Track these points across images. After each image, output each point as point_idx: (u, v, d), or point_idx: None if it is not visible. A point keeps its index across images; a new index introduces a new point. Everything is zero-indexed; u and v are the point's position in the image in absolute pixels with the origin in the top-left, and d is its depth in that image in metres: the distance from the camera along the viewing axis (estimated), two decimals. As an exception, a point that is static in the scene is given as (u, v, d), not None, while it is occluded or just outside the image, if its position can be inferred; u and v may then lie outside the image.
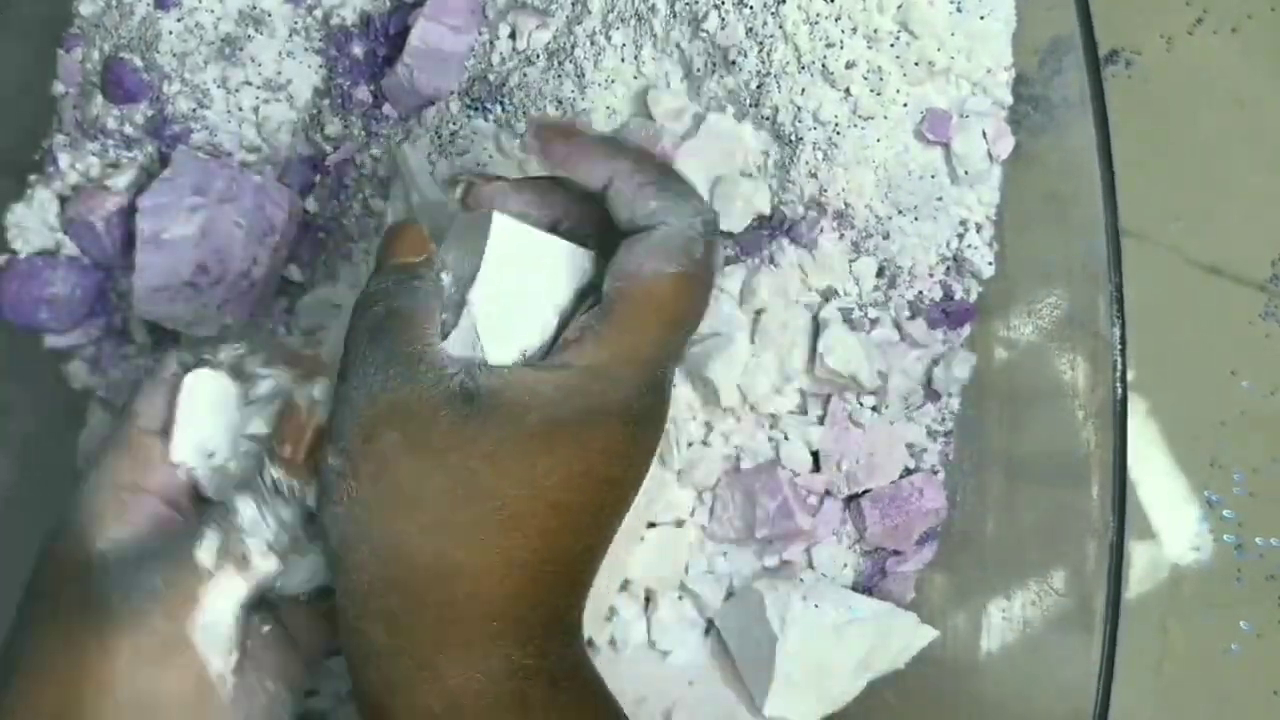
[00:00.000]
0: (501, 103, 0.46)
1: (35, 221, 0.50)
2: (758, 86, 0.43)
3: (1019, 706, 0.45)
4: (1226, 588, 0.54)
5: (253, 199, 0.48)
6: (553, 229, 0.35)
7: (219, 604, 0.34)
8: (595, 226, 0.36)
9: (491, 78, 0.47)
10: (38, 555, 0.35)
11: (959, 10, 0.42)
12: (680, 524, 0.47)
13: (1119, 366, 0.42)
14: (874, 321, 0.47)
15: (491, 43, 0.47)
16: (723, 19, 0.43)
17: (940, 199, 0.45)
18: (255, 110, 0.50)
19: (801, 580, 0.47)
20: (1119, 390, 0.42)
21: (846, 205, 0.45)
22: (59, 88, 0.51)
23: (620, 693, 0.34)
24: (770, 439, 0.47)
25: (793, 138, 0.44)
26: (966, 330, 0.47)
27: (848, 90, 0.43)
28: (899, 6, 0.42)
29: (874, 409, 0.47)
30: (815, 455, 0.47)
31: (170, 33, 0.49)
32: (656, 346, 0.33)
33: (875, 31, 0.42)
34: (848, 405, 0.46)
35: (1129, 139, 0.48)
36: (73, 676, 0.33)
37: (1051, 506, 0.46)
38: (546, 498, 0.31)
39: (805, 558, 0.47)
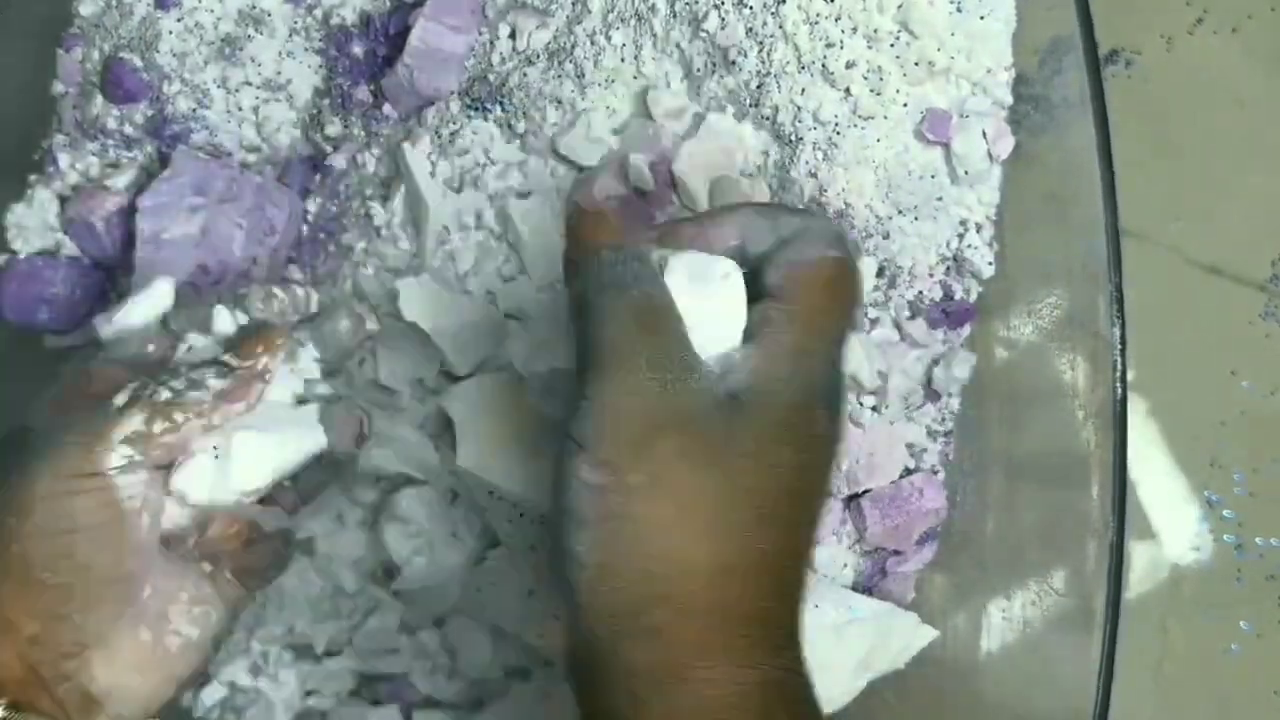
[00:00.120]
0: (501, 103, 0.46)
1: (35, 221, 0.50)
2: (758, 86, 0.43)
3: (1019, 706, 0.45)
4: (1226, 588, 0.54)
5: (253, 199, 0.48)
6: None
7: (126, 441, 0.36)
8: None
9: (491, 78, 0.47)
10: None
11: (959, 10, 0.42)
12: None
13: (1119, 366, 0.42)
14: (874, 321, 0.47)
15: (491, 43, 0.47)
16: (723, 19, 0.43)
17: (940, 199, 0.45)
18: (255, 110, 0.50)
19: (801, 580, 0.47)
20: (1119, 390, 0.42)
21: (846, 205, 0.45)
22: (59, 88, 0.51)
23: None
24: (770, 439, 0.47)
25: (793, 137, 0.44)
26: (966, 330, 0.47)
27: (848, 90, 0.43)
28: (899, 6, 0.42)
29: (874, 409, 0.47)
30: (815, 455, 0.47)
31: (170, 33, 0.49)
32: (835, 322, 0.33)
33: (875, 31, 0.42)
34: (848, 405, 0.46)
35: (1129, 139, 0.48)
36: None
37: (1051, 506, 0.45)
38: (789, 488, 0.31)
39: (805, 558, 0.47)
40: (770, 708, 0.30)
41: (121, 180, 0.49)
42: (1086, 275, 0.43)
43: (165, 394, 0.37)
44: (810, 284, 0.33)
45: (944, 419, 0.48)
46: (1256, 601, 0.54)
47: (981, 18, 0.43)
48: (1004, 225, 0.46)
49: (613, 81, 0.45)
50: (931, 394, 0.47)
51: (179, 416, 0.37)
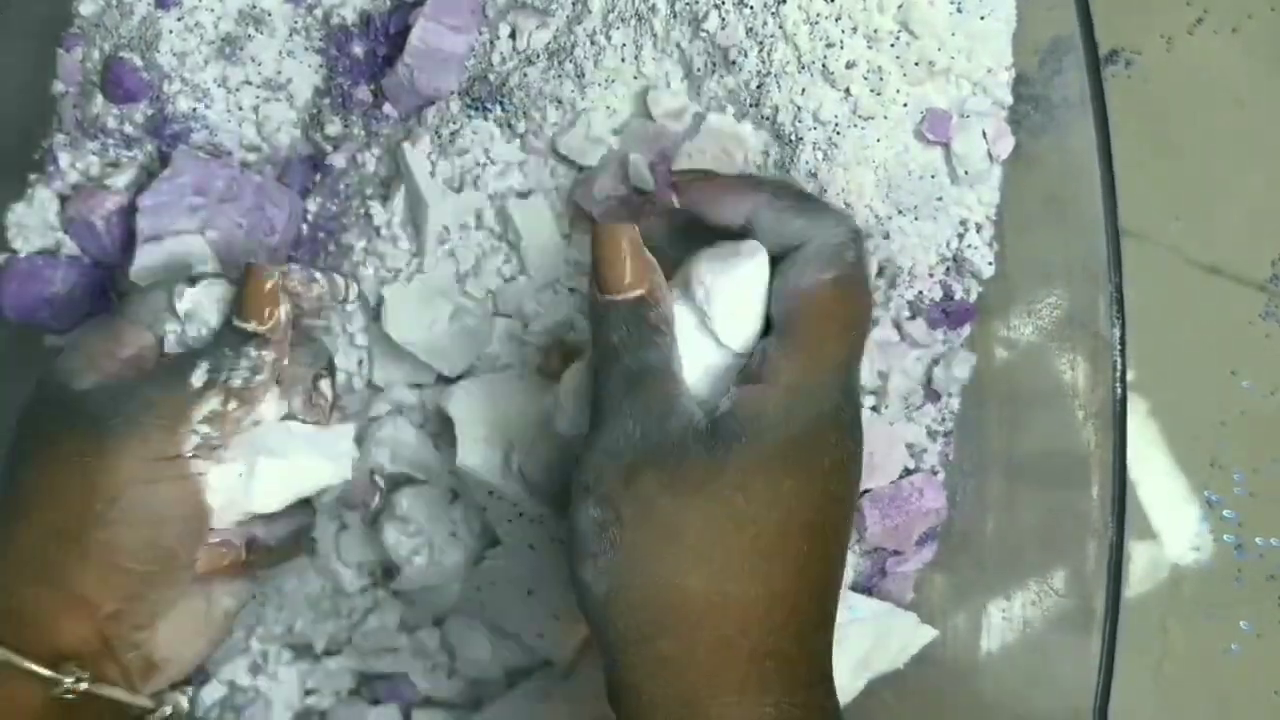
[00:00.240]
0: (501, 103, 0.46)
1: (35, 221, 0.50)
2: (758, 86, 0.43)
3: (1019, 706, 0.45)
4: (1226, 588, 0.54)
5: (253, 198, 0.48)
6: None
7: (205, 421, 0.38)
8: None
9: (491, 77, 0.47)
10: (21, 409, 0.39)
11: (959, 10, 0.42)
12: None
13: (1119, 366, 0.42)
14: (874, 321, 0.47)
15: (491, 42, 0.47)
16: (723, 19, 0.43)
17: (940, 199, 0.45)
18: (255, 110, 0.50)
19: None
20: (1119, 390, 0.42)
21: (846, 205, 0.45)
22: (59, 87, 0.51)
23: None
24: (770, 439, 0.47)
25: (793, 137, 0.44)
26: (966, 330, 0.47)
27: (848, 90, 0.43)
28: (899, 6, 0.42)
29: (874, 409, 0.47)
30: (815, 455, 0.47)
31: (170, 32, 0.49)
32: (840, 349, 0.34)
33: (875, 31, 0.42)
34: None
35: (1129, 139, 0.48)
36: (79, 495, 0.36)
37: (1051, 507, 0.46)
38: (797, 519, 0.32)
39: (805, 558, 0.47)
40: None
41: (122, 179, 0.49)
42: (1086, 275, 0.43)
43: (240, 376, 0.38)
44: (809, 316, 0.34)
45: (944, 419, 0.48)
46: (1256, 601, 0.54)
47: (982, 18, 0.43)
48: (1004, 225, 0.46)
49: (613, 81, 0.45)
50: (931, 394, 0.47)
51: (247, 395, 0.38)
